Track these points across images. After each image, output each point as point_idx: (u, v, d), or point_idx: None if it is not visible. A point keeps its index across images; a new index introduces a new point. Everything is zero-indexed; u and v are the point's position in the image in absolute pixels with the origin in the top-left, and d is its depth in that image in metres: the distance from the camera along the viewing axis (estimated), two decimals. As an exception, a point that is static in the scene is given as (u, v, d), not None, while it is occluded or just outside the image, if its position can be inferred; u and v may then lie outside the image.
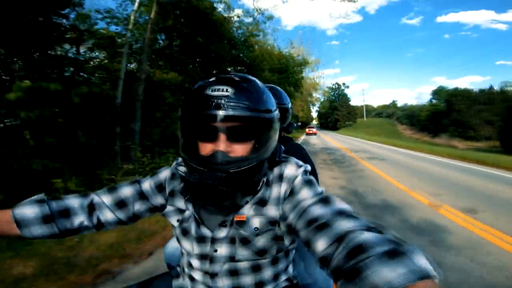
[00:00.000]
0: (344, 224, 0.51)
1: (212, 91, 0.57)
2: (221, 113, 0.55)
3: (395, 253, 0.40)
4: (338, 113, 59.66)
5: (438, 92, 45.64)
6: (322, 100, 59.95)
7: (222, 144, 0.57)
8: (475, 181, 5.82)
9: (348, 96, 63.70)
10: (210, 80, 0.60)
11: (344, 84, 62.99)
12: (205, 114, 0.56)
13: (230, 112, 0.55)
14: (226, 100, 0.55)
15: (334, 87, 57.74)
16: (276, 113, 0.64)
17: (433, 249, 2.48)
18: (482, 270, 2.12)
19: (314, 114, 75.33)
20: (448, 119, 32.92)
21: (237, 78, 0.61)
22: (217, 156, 0.57)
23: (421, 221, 3.27)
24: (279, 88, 1.38)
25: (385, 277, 0.37)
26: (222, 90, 0.56)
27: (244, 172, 0.57)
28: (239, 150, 0.59)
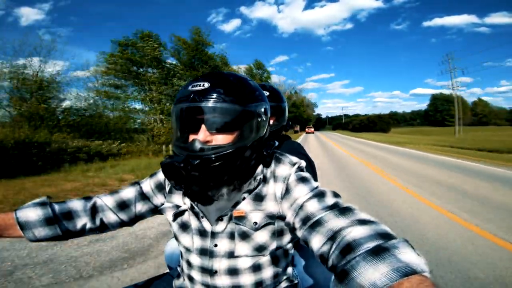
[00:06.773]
0: (337, 221, 0.52)
1: (192, 86, 0.61)
2: (196, 105, 0.59)
3: (379, 251, 0.41)
4: (318, 125, 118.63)
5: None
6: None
7: (201, 134, 0.60)
8: (338, 137, 36.50)
9: (321, 115, 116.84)
10: (196, 77, 0.64)
11: (320, 114, 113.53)
12: (184, 107, 0.61)
13: (203, 104, 0.59)
14: (201, 93, 0.59)
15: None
16: (263, 107, 0.66)
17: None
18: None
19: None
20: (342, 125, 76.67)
21: (218, 74, 0.65)
22: (194, 144, 0.59)
23: (326, 146, 22.89)
24: (276, 87, 1.38)
25: (369, 278, 0.38)
26: (200, 85, 0.61)
27: (219, 158, 0.58)
28: (220, 139, 0.61)
